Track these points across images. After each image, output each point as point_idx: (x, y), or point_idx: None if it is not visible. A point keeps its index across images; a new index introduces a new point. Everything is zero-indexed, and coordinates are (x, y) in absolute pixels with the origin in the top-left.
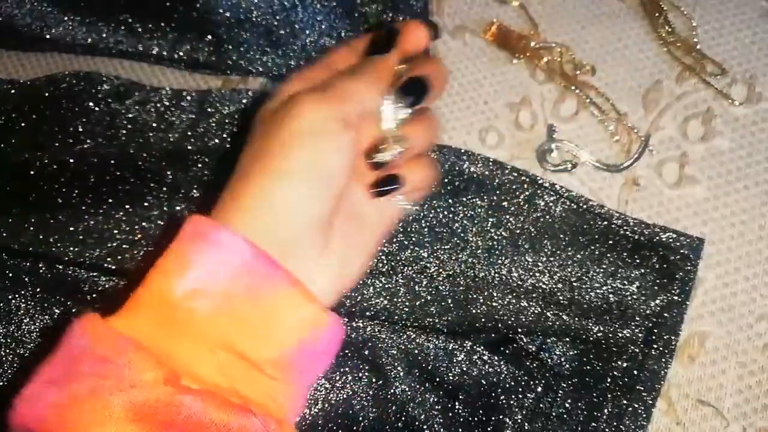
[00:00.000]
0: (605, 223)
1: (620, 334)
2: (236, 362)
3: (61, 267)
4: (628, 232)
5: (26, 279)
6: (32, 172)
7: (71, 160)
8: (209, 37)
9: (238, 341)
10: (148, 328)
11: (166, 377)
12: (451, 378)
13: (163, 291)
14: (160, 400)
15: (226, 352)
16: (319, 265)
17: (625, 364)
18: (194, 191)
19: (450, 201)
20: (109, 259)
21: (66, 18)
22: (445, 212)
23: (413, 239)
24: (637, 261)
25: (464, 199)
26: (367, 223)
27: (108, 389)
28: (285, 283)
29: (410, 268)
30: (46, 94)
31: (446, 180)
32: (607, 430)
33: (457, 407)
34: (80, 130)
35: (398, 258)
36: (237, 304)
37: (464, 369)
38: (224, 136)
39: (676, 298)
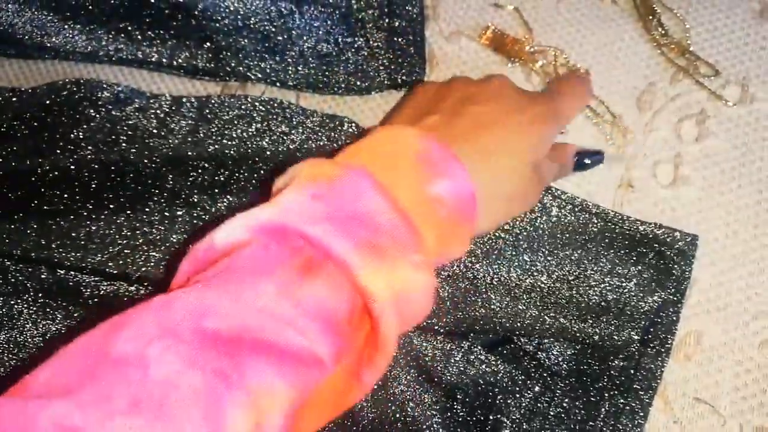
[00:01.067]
0: (601, 221)
1: (617, 334)
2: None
3: (62, 272)
4: (624, 230)
5: (28, 284)
6: (33, 179)
7: (72, 167)
8: (208, 44)
9: (445, 246)
10: (416, 217)
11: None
12: (449, 378)
13: (423, 189)
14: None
15: (438, 251)
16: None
17: (621, 363)
18: (194, 196)
19: None
20: (110, 264)
21: (66, 26)
22: None
23: None
24: (634, 258)
25: None
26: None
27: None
28: (470, 226)
29: None
30: (47, 102)
31: None
32: (604, 428)
33: (455, 406)
34: (81, 137)
35: None
36: (450, 216)
37: (462, 369)
38: (224, 141)
39: (672, 297)
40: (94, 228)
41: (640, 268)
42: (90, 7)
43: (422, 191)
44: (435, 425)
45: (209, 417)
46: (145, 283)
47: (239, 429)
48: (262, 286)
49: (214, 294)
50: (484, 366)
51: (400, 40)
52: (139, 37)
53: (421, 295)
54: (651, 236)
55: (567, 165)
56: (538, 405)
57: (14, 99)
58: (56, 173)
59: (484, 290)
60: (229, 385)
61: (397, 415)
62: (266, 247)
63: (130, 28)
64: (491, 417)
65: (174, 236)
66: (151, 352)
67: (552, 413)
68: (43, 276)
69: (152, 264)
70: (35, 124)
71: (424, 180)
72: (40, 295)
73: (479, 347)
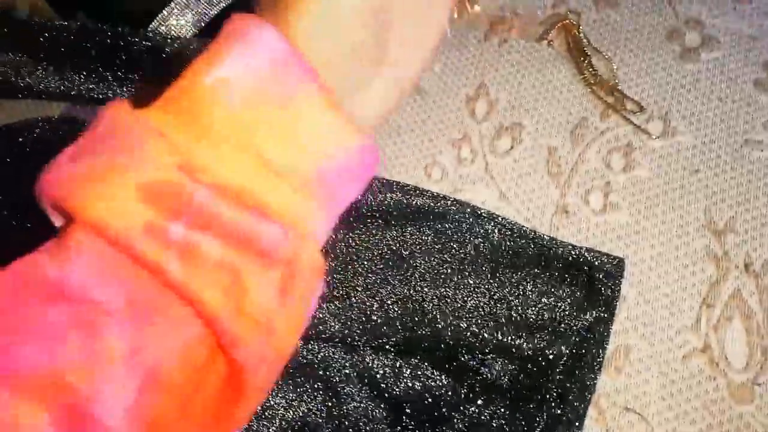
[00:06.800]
0: (538, 246)
1: (553, 349)
2: (260, 167)
3: None
4: (557, 253)
5: None
6: (5, 213)
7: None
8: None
9: (263, 144)
10: (174, 121)
11: (181, 164)
12: (398, 393)
13: (195, 81)
14: (172, 183)
15: (250, 155)
16: (372, 81)
17: (558, 377)
18: None
19: (399, 231)
20: None
21: (39, 67)
22: (395, 241)
23: (366, 266)
24: (567, 280)
25: (412, 228)
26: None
27: (123, 165)
28: (315, 91)
29: (363, 293)
30: (20, 140)
31: (395, 212)
32: None
33: (404, 420)
34: None
35: (352, 284)
36: (266, 104)
37: (410, 384)
38: None
39: (602, 314)
40: None
41: (573, 288)
42: (63, 50)
43: (198, 83)
44: None
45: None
46: None
47: None
48: None
49: None
50: (430, 381)
51: None
52: (110, 77)
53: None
54: (582, 259)
55: None
56: (482, 417)
57: None
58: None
59: (430, 311)
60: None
61: (350, 430)
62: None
63: (101, 69)
64: (437, 428)
65: None
66: None
67: (495, 424)
68: None
69: None
70: (8, 160)
71: (205, 65)
72: None
73: (426, 364)
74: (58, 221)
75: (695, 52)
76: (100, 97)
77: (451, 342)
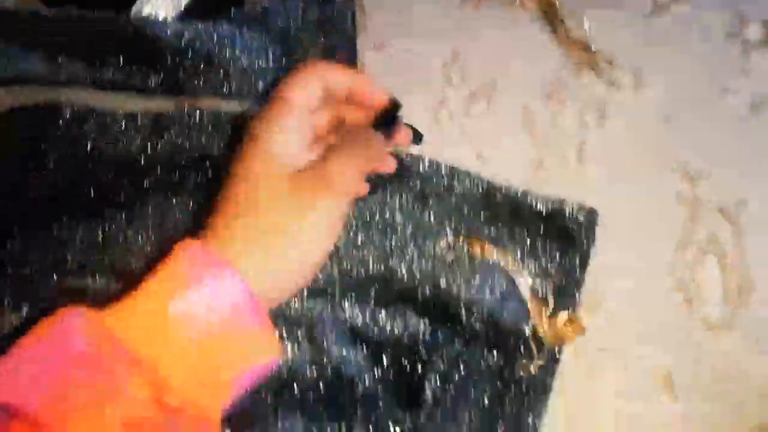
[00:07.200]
0: (513, 200)
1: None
2: (206, 380)
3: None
4: (532, 207)
5: None
6: None
7: (35, 184)
8: (158, 65)
9: (211, 364)
10: (139, 334)
11: (155, 396)
12: (378, 338)
13: (161, 304)
14: (151, 419)
15: (199, 370)
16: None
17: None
18: (149, 198)
19: (381, 194)
20: (74, 267)
21: (26, 53)
22: (377, 203)
23: (347, 227)
24: (542, 231)
25: (392, 190)
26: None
27: (105, 399)
28: (265, 330)
29: (344, 251)
30: (6, 125)
31: (376, 176)
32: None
33: (384, 363)
34: (41, 156)
35: (335, 245)
36: (217, 334)
37: (390, 329)
38: (175, 150)
39: (577, 263)
40: (55, 237)
41: (547, 239)
42: (51, 37)
43: (158, 314)
44: (367, 380)
45: None
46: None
47: None
48: None
49: None
50: (410, 326)
51: (334, 53)
52: (96, 62)
53: None
54: (555, 211)
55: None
56: (463, 357)
57: None
58: (20, 190)
59: (410, 266)
60: None
61: (333, 374)
62: None
63: (87, 54)
64: (418, 369)
65: (131, 234)
66: None
67: (475, 364)
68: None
69: (112, 262)
70: None
71: (168, 296)
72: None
73: (406, 311)
74: None
75: (665, 6)
76: (86, 81)
77: (430, 294)
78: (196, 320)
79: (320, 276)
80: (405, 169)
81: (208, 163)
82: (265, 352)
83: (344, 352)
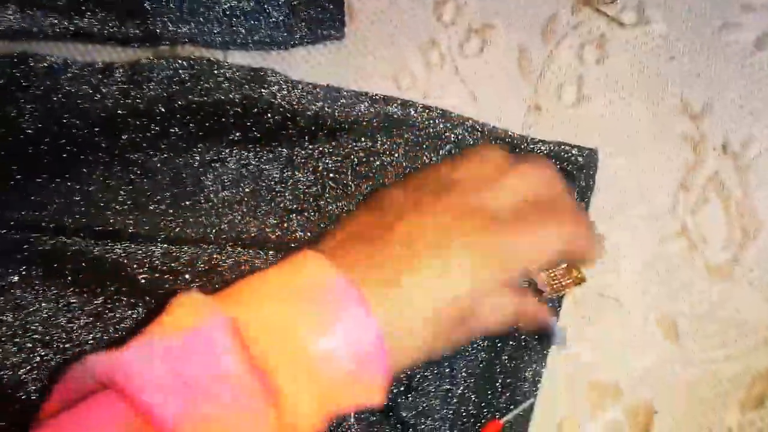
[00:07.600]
0: (510, 145)
1: None
2: (320, 421)
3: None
4: (530, 151)
5: None
6: None
7: (9, 137)
8: (134, 11)
9: (330, 408)
10: (286, 369)
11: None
12: None
13: (305, 339)
14: None
15: (321, 413)
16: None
17: None
18: (129, 155)
19: (369, 142)
20: (51, 225)
21: (1, 8)
22: (366, 152)
23: (336, 179)
24: None
25: (382, 138)
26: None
27: (241, 425)
28: (385, 382)
29: (333, 205)
30: None
31: (365, 122)
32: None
33: None
34: (17, 108)
35: (323, 196)
36: (342, 380)
37: None
38: (154, 100)
39: (578, 202)
40: (32, 192)
41: None
42: None
43: (303, 349)
44: None
45: None
46: (85, 237)
47: None
48: None
49: None
50: None
51: None
52: (71, 12)
53: None
54: (554, 154)
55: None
56: None
57: None
58: None
59: None
60: None
61: None
62: (110, 405)
63: (60, 2)
64: None
65: (111, 195)
66: None
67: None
68: None
69: (89, 221)
70: None
71: (313, 330)
72: None
73: None
74: None
75: None
76: (61, 31)
77: None
78: (333, 362)
79: (306, 234)
80: (395, 116)
81: (188, 114)
82: (373, 400)
83: None
